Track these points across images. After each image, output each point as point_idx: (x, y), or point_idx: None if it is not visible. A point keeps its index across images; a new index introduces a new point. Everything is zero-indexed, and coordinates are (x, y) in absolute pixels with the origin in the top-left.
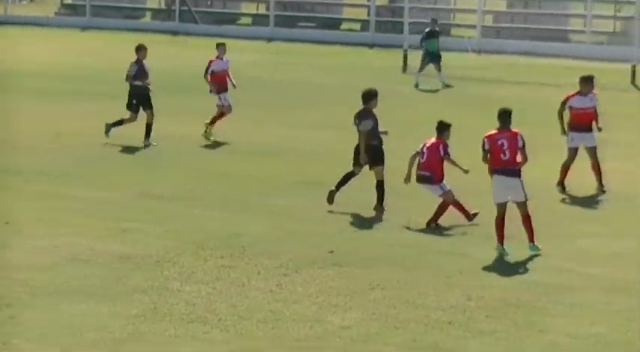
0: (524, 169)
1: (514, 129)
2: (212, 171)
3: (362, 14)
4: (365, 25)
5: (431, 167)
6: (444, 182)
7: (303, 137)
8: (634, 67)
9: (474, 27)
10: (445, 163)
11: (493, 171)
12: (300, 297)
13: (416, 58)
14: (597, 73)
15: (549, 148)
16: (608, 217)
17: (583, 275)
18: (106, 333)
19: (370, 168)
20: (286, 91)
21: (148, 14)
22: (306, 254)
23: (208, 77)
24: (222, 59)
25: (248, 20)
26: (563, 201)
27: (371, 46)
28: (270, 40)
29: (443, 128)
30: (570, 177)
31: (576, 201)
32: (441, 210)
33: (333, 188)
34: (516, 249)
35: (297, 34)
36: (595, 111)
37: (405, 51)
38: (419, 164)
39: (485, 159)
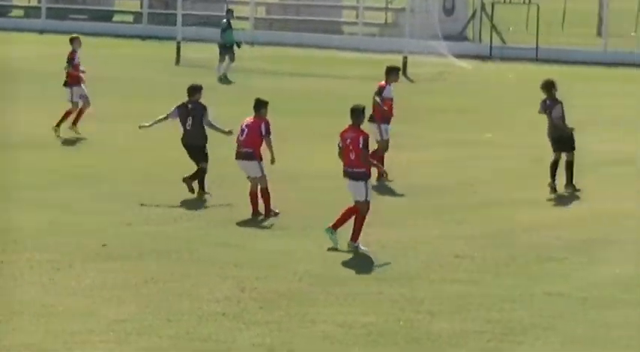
0: None
1: (360, 129)
2: None
3: (135, 6)
4: (138, 17)
5: (252, 144)
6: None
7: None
8: (405, 58)
9: (247, 19)
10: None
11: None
12: (73, 291)
13: (189, 49)
14: (370, 64)
15: (329, 138)
16: (386, 208)
17: (353, 265)
18: None
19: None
20: (58, 83)
21: None
22: (79, 247)
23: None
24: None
25: (20, 12)
26: (332, 191)
27: (144, 38)
28: (42, 32)
29: (260, 105)
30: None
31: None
32: (265, 198)
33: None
34: (291, 240)
35: (68, 26)
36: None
37: (179, 43)
38: (239, 141)
39: (340, 156)
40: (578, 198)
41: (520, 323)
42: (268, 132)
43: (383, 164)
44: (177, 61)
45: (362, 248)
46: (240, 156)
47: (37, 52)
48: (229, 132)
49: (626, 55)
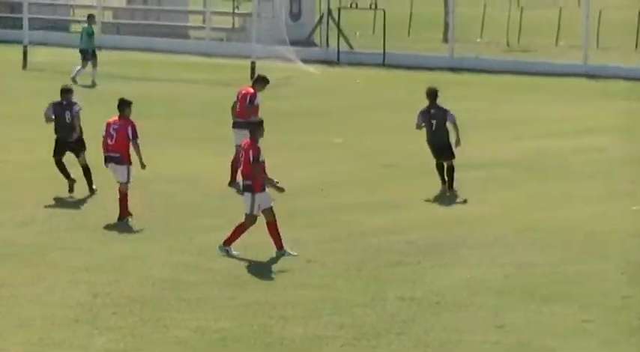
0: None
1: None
2: None
3: None
4: None
5: (120, 148)
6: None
7: None
8: (253, 63)
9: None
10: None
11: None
12: None
13: (36, 54)
14: (218, 69)
15: (174, 141)
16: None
17: (206, 270)
18: None
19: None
20: None
21: None
22: None
23: None
24: None
25: None
26: (183, 195)
27: None
28: None
29: (124, 105)
30: (196, 172)
31: (197, 195)
32: (123, 203)
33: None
34: (143, 244)
35: None
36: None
37: (25, 47)
38: (107, 146)
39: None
40: (430, 201)
41: (373, 327)
42: (135, 135)
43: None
44: (25, 65)
45: (234, 252)
46: (110, 160)
47: None
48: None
49: (471, 60)
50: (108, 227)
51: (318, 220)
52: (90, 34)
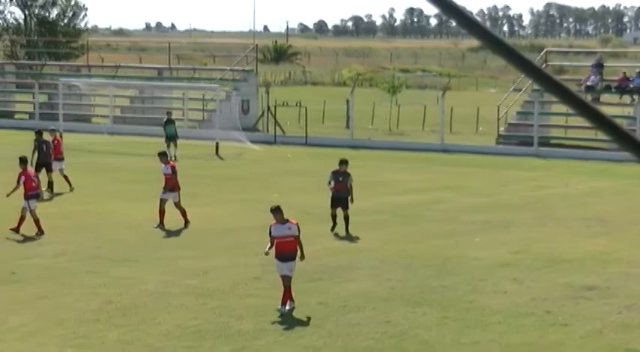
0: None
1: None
2: None
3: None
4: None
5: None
6: None
7: None
8: (217, 143)
9: (107, 116)
10: None
11: None
12: None
13: (67, 138)
14: (192, 147)
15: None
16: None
17: (185, 285)
18: None
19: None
20: None
21: None
22: None
23: None
24: None
25: None
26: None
27: None
28: None
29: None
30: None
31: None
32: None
33: None
34: (137, 268)
35: None
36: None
37: (61, 134)
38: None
39: None
40: (333, 237)
41: (300, 323)
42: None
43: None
44: None
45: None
46: (33, 196)
47: None
48: None
49: (365, 141)
50: (117, 257)
51: (256, 250)
52: (164, 125)
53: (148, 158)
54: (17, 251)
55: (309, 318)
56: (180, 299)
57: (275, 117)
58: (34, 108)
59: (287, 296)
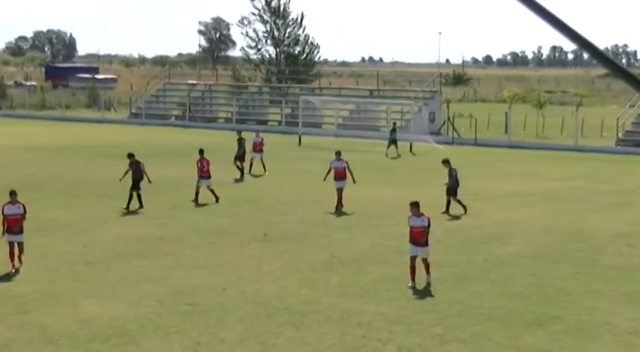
0: None
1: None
2: None
3: None
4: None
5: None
6: None
7: None
8: (411, 144)
9: (333, 124)
10: None
11: None
12: None
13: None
14: (393, 147)
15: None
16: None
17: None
18: None
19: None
20: None
21: None
22: None
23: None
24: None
25: None
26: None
27: None
28: None
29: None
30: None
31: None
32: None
33: None
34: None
35: None
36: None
37: (300, 135)
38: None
39: None
40: (494, 211)
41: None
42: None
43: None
44: (299, 143)
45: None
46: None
47: None
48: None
49: (520, 142)
50: (339, 225)
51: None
52: (391, 132)
53: (361, 153)
54: (268, 218)
55: (476, 271)
56: (384, 255)
57: (453, 125)
58: (281, 117)
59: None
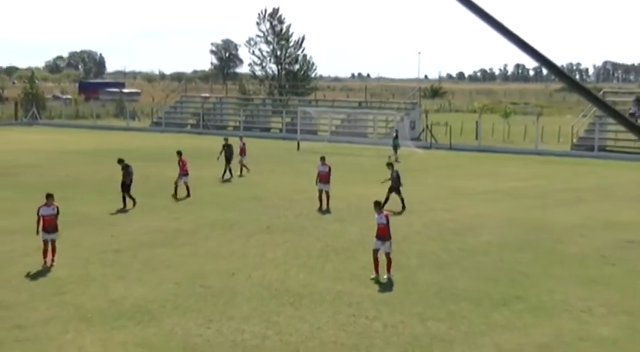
0: None
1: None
2: None
3: None
4: None
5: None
6: None
7: None
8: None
9: (327, 131)
10: None
11: None
12: None
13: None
14: (379, 151)
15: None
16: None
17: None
18: None
19: None
20: None
21: None
22: None
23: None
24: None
25: None
26: None
27: None
28: None
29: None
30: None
31: None
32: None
33: None
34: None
35: None
36: None
37: (298, 142)
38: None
39: None
40: (470, 206)
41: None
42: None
43: None
44: (298, 148)
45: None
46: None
47: None
48: None
49: (488, 146)
50: (332, 219)
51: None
52: (394, 138)
53: (352, 157)
54: (271, 213)
55: (451, 258)
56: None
57: (431, 132)
58: (282, 125)
59: (389, 265)
